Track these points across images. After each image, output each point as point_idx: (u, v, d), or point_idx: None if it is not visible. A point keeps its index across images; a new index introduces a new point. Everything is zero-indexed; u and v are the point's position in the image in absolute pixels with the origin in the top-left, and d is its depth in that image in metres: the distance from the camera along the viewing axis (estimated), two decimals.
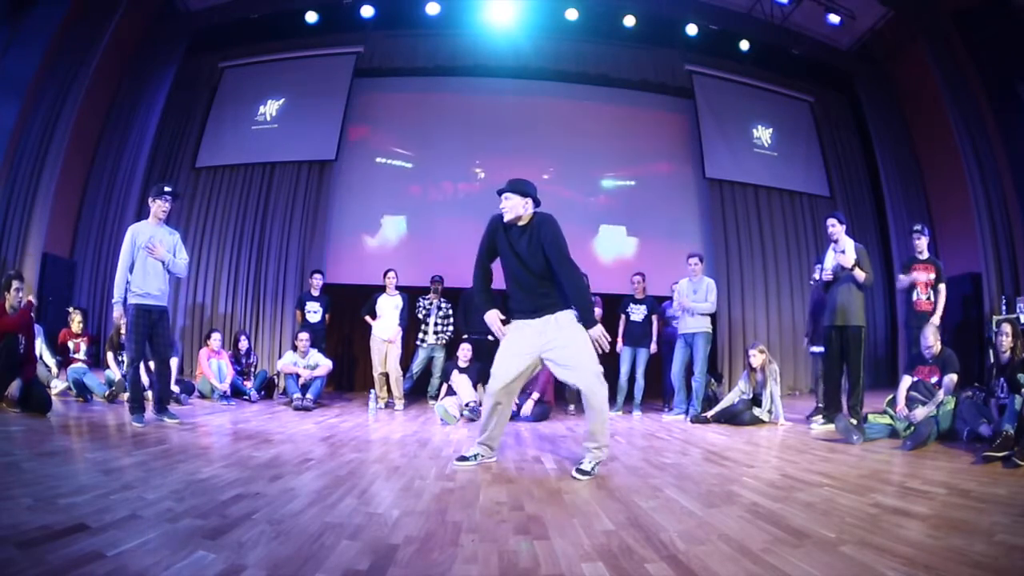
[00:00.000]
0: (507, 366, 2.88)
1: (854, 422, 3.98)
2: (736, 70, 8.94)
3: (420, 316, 6.33)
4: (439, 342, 6.30)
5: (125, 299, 3.98)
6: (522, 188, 2.91)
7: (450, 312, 6.40)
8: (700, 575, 1.49)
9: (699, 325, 5.41)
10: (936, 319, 4.60)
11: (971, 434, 3.65)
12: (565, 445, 3.74)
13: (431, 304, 6.34)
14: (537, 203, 2.98)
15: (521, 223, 2.94)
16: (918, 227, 4.98)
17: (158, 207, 4.10)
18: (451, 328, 6.37)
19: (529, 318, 2.88)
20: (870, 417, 4.14)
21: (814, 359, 5.71)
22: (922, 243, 4.88)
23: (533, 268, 2.85)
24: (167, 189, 4.15)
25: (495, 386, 2.88)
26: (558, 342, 2.81)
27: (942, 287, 4.76)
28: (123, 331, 5.48)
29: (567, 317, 2.85)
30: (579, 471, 2.69)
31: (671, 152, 8.80)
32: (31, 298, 4.37)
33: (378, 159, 8.42)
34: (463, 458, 2.90)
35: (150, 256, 3.99)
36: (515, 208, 2.90)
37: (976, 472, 2.84)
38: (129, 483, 2.21)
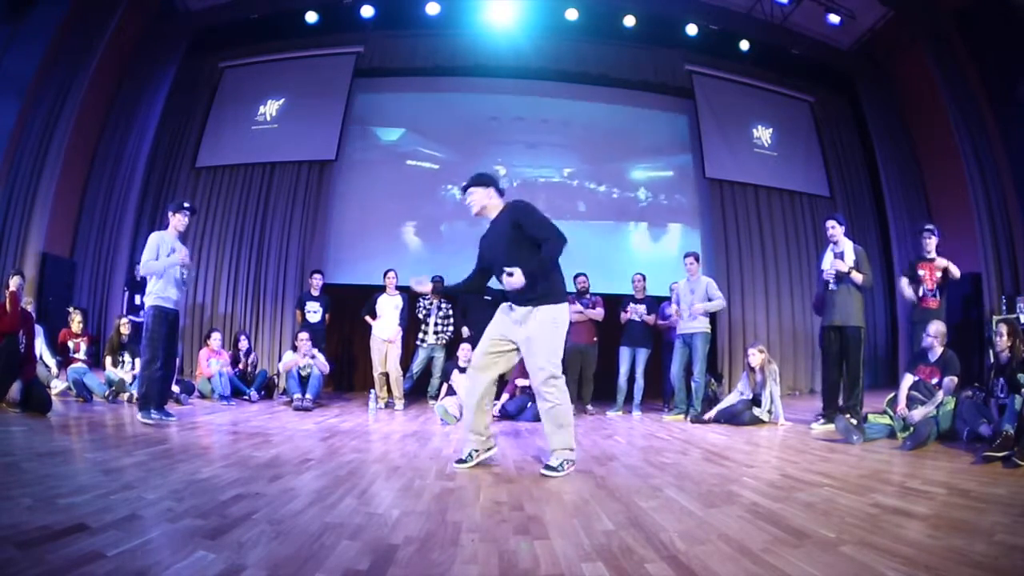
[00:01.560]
0: (484, 342, 2.89)
1: (854, 422, 3.98)
2: (736, 70, 8.94)
3: (420, 316, 6.33)
4: (439, 342, 6.29)
5: (144, 290, 4.16)
6: (482, 179, 2.91)
7: (450, 312, 6.40)
8: (700, 575, 1.49)
9: (698, 325, 5.40)
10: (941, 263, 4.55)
11: (971, 434, 3.65)
12: None
13: (431, 304, 6.33)
14: (501, 192, 2.95)
15: (492, 215, 2.92)
16: (929, 227, 4.89)
17: (179, 221, 4.26)
18: (451, 328, 6.36)
19: (515, 303, 2.84)
20: (870, 417, 4.13)
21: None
22: (931, 243, 4.79)
23: (505, 257, 2.76)
24: (186, 205, 4.34)
25: (474, 359, 2.93)
26: (530, 335, 2.76)
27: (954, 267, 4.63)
28: (124, 332, 5.53)
29: (546, 314, 2.76)
30: (546, 467, 2.70)
31: (671, 152, 8.80)
32: (13, 288, 4.41)
33: (378, 159, 8.42)
34: (460, 460, 2.83)
35: (181, 267, 4.16)
36: (479, 200, 2.89)
37: (976, 472, 2.84)
38: (129, 483, 2.21)
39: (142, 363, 4.12)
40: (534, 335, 2.75)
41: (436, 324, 6.29)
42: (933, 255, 4.79)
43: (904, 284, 4.87)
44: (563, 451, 2.75)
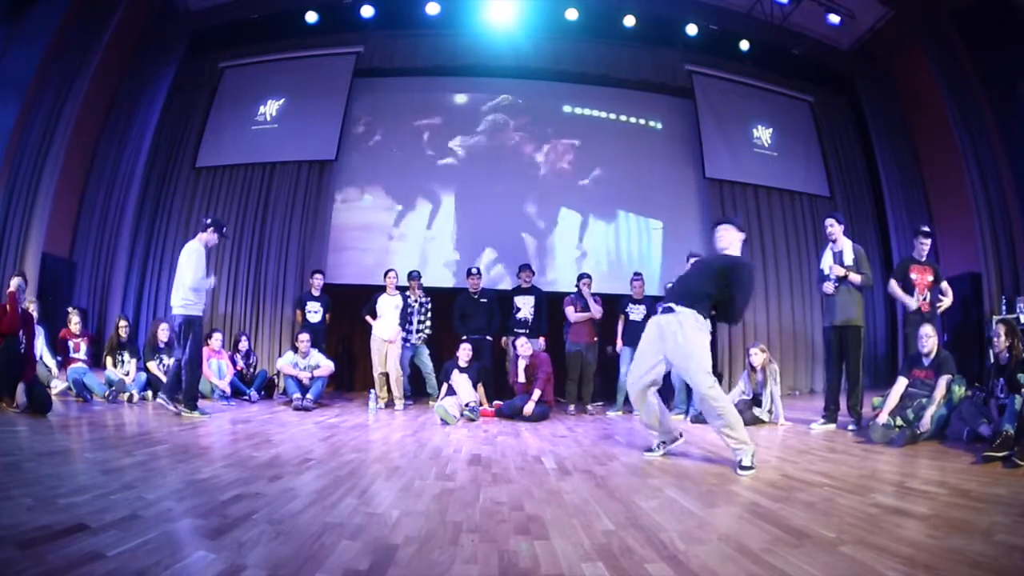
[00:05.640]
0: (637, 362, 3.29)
1: (894, 427, 3.90)
2: (736, 70, 8.93)
3: (408, 314, 6.23)
4: (420, 340, 6.25)
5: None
6: (740, 226, 3.29)
7: (429, 307, 6.33)
8: (700, 575, 1.49)
9: None
10: (947, 303, 4.67)
11: (971, 434, 3.66)
12: (565, 445, 3.74)
13: (415, 302, 6.28)
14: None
15: (723, 249, 3.27)
16: (926, 229, 4.85)
17: (212, 239, 4.67)
18: (430, 323, 6.28)
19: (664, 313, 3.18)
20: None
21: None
22: (926, 247, 4.75)
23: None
24: (225, 230, 4.84)
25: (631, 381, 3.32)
26: (679, 340, 3.08)
27: (946, 286, 4.72)
28: (123, 332, 5.54)
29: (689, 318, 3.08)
30: (740, 467, 2.84)
31: (671, 152, 8.80)
32: (13, 288, 4.43)
33: (378, 159, 8.41)
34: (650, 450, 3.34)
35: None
36: (729, 241, 3.23)
37: (976, 472, 2.84)
38: (129, 483, 2.22)
39: (192, 364, 4.53)
40: (685, 341, 3.06)
41: (418, 323, 6.26)
42: (925, 258, 4.76)
43: (894, 286, 4.81)
44: (746, 446, 2.92)
